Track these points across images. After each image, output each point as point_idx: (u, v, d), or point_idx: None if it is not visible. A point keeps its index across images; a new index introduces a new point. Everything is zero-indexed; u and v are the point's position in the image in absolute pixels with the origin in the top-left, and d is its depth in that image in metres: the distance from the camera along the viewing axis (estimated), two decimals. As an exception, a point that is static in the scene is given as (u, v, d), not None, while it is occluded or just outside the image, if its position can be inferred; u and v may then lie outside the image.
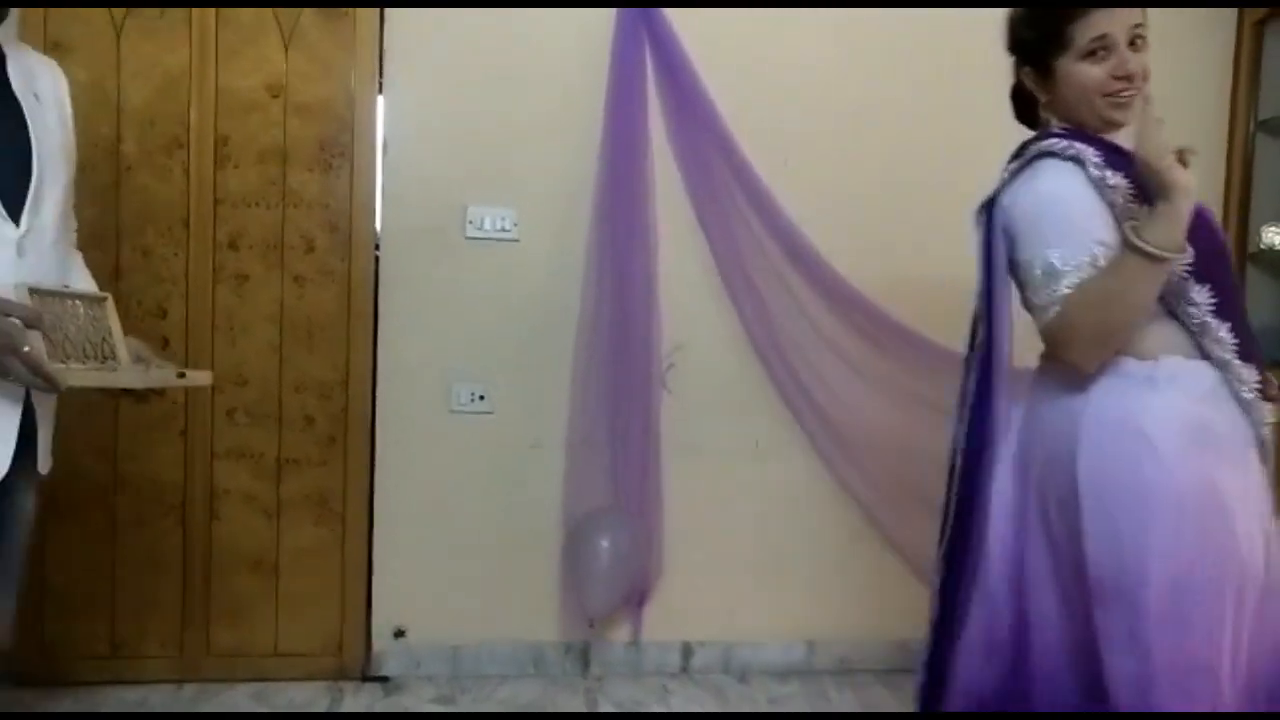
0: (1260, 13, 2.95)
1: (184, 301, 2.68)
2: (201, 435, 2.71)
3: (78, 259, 1.85)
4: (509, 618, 2.90)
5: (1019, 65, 1.75)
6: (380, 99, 2.75)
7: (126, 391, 1.72)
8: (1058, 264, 1.53)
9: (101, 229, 2.59)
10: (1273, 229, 2.96)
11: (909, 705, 2.80)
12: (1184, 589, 1.49)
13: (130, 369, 1.70)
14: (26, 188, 1.59)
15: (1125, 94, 1.59)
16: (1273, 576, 1.54)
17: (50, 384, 1.51)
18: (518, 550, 2.89)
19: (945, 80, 2.95)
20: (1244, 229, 3.01)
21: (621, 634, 2.96)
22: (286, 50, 2.67)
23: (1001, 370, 1.71)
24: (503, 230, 2.81)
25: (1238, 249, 3.02)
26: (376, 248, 2.79)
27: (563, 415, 2.85)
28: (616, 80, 2.78)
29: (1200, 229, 1.51)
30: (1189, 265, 1.52)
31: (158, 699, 2.65)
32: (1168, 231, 1.45)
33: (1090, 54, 1.60)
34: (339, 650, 2.81)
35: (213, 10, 2.63)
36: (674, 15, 2.79)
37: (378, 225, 2.78)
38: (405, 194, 2.78)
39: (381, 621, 2.86)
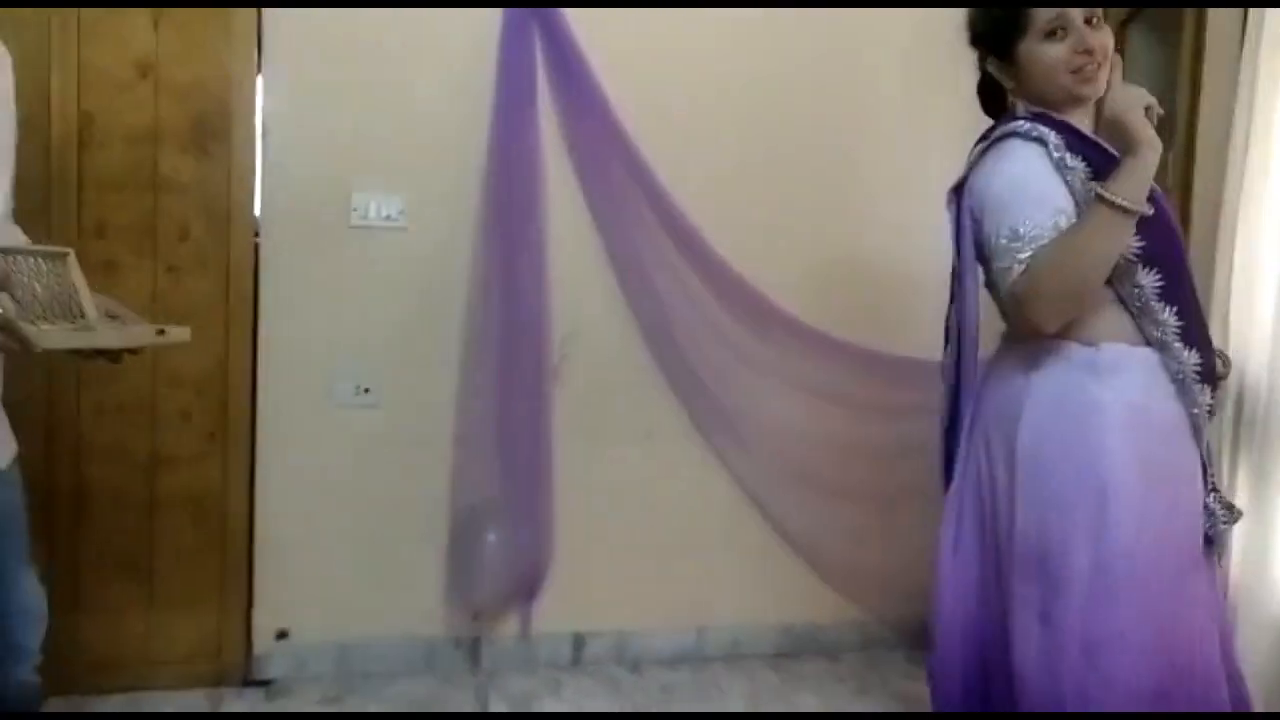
0: (1123, 11, 3.11)
1: (45, 290, 2.52)
2: (68, 432, 2.56)
3: (17, 231, 1.77)
4: (397, 615, 2.84)
5: (983, 58, 1.80)
6: (259, 80, 2.65)
7: (99, 352, 1.61)
8: (1023, 230, 1.58)
9: (-49, 213, 2.42)
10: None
11: (799, 689, 2.88)
12: (1104, 571, 1.56)
13: (108, 328, 1.60)
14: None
15: (1089, 69, 1.66)
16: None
17: (25, 346, 1.42)
18: (406, 546, 2.83)
19: (837, 69, 3.03)
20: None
21: (512, 627, 2.93)
22: (156, 27, 2.54)
23: (969, 349, 1.79)
24: (389, 218, 2.74)
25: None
26: (256, 235, 2.68)
27: (450, 407, 2.80)
28: (506, 65, 2.75)
29: (1155, 212, 1.57)
30: (1138, 247, 1.57)
31: (19, 713, 2.50)
32: (1133, 185, 1.51)
33: (1050, 34, 1.67)
34: (218, 654, 2.70)
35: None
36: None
37: (257, 211, 2.68)
38: (287, 179, 2.68)
39: (263, 623, 2.76)
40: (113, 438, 2.59)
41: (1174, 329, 1.61)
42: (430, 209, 2.78)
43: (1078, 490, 1.59)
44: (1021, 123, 1.67)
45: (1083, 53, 1.65)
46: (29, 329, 1.42)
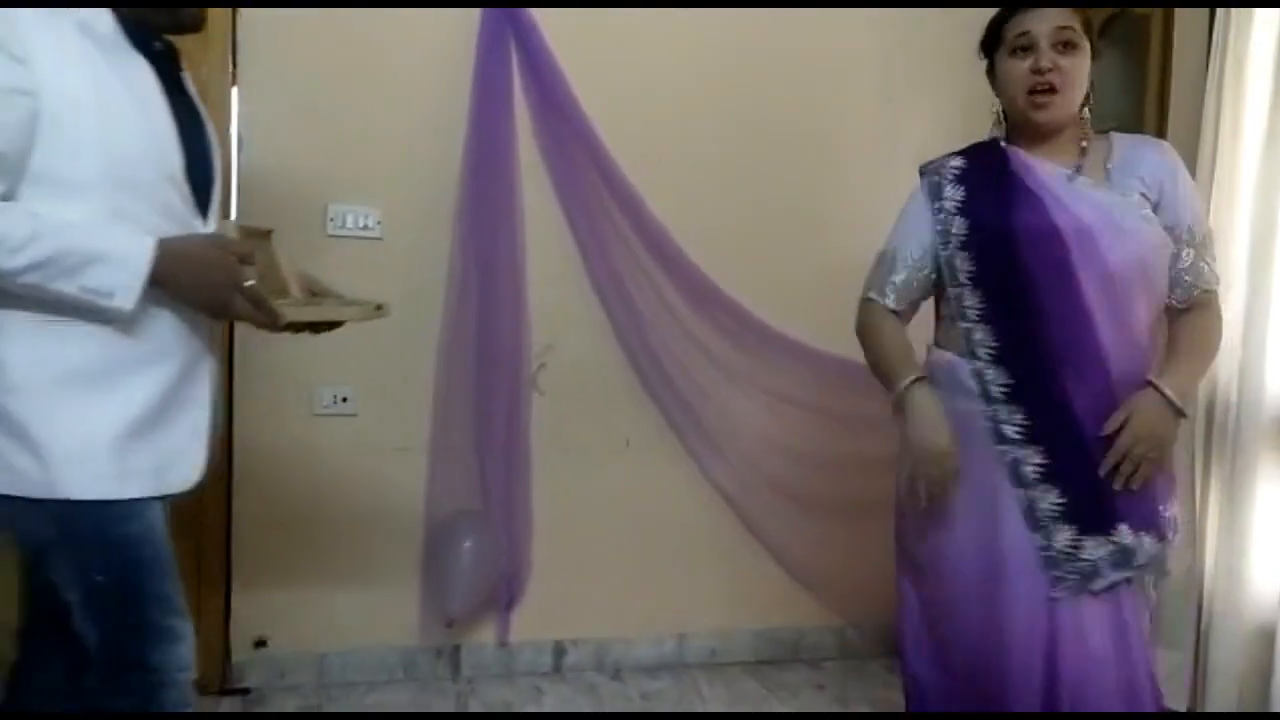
0: (1104, 14, 3.11)
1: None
2: (42, 443, 2.56)
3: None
4: (376, 623, 2.84)
5: None
6: (235, 90, 2.65)
7: (309, 325, 1.67)
8: (887, 250, 1.88)
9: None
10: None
11: (779, 697, 2.88)
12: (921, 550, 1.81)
13: (336, 303, 1.70)
14: (210, 187, 1.59)
15: (1041, 93, 1.67)
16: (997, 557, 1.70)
17: (271, 319, 1.49)
18: (384, 554, 2.83)
19: (810, 79, 3.04)
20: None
21: (492, 636, 2.94)
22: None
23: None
24: (365, 228, 2.75)
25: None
26: (232, 246, 2.68)
27: (428, 416, 2.80)
28: (481, 76, 2.76)
29: (1002, 243, 1.70)
30: (969, 272, 1.71)
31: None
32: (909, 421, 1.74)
33: (1016, 50, 1.69)
34: (195, 662, 2.69)
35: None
36: (538, 13, 2.77)
37: (232, 221, 2.68)
38: (262, 190, 2.68)
39: (241, 632, 2.76)
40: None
41: (987, 348, 1.70)
42: (407, 219, 2.78)
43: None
44: (933, 160, 1.86)
45: (1036, 72, 1.66)
46: (275, 303, 1.49)
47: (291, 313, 1.54)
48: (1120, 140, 1.77)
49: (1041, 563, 1.67)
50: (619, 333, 2.91)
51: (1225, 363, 2.44)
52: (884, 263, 1.86)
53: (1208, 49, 2.49)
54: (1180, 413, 1.67)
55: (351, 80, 2.73)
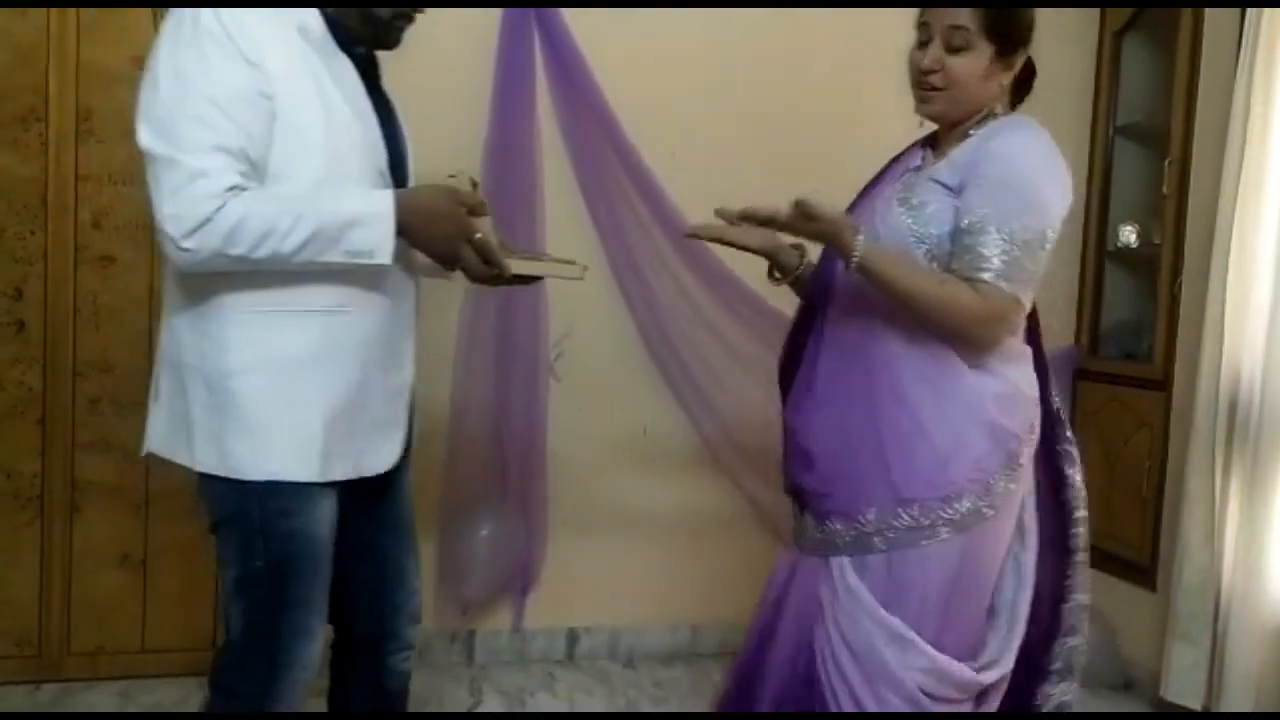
0: (1119, 22, 3.11)
1: (42, 283, 2.54)
2: (62, 424, 2.57)
3: None
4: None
5: None
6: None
7: (520, 279, 1.70)
8: None
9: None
10: (1128, 227, 3.13)
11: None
12: None
13: (551, 260, 1.74)
14: (407, 180, 1.68)
15: (924, 87, 1.63)
16: None
17: (497, 272, 1.55)
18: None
19: (837, 65, 3.03)
20: (1103, 227, 3.18)
21: (506, 622, 2.94)
22: (155, 20, 2.55)
23: None
24: (386, 214, 2.75)
25: (1097, 246, 3.19)
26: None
27: (446, 403, 2.80)
28: (504, 63, 2.76)
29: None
30: None
31: (12, 701, 2.51)
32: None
33: (920, 38, 1.65)
34: (212, 645, 2.70)
35: (71, -22, 2.48)
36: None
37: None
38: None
39: (258, 615, 2.77)
40: (107, 431, 2.59)
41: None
42: (427, 205, 2.78)
43: None
44: None
45: (923, 70, 1.62)
46: (503, 258, 1.54)
47: (516, 267, 1.57)
48: (986, 127, 1.65)
49: None
50: (637, 321, 2.92)
51: (1248, 359, 2.43)
52: None
53: (1239, 41, 2.47)
54: (847, 252, 1.52)
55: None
